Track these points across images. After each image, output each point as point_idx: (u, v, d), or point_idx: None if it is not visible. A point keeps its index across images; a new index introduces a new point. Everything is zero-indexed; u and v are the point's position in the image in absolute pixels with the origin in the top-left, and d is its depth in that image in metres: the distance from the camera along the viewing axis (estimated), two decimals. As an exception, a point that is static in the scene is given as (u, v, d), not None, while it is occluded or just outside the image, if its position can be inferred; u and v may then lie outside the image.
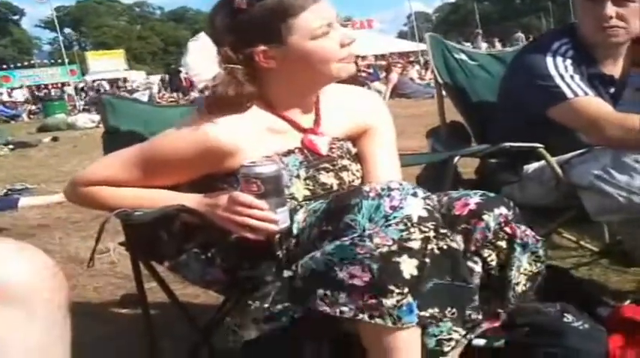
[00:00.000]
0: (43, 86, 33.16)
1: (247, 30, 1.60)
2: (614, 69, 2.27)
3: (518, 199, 2.20)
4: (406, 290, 1.35)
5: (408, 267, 1.35)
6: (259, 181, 1.49)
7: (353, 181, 1.74)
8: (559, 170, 2.11)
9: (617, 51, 2.26)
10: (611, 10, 2.12)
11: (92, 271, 3.30)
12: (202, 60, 1.66)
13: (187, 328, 1.92)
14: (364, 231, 1.38)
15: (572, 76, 2.14)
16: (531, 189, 2.25)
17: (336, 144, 1.75)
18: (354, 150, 1.79)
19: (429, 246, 1.39)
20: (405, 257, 1.35)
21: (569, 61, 2.18)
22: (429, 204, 1.43)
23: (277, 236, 1.57)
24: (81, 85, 31.44)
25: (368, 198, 1.42)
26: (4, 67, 43.84)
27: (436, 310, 1.39)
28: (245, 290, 1.66)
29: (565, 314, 1.67)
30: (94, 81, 33.35)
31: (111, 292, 2.97)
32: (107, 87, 30.77)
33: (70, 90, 28.04)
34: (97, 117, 13.53)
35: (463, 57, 2.73)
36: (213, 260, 1.65)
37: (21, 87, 30.94)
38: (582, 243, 2.83)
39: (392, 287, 1.34)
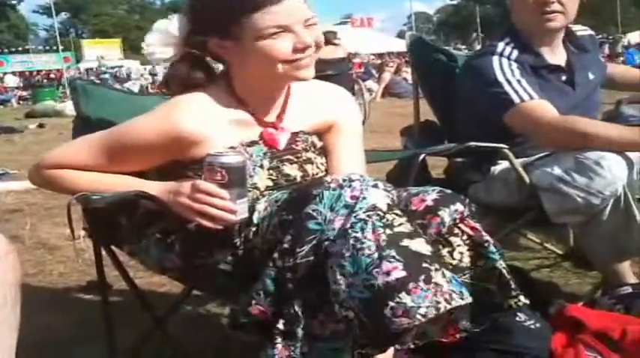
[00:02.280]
0: (36, 72, 33.08)
1: (204, 20, 1.65)
2: (557, 57, 2.33)
3: (483, 199, 2.25)
4: (437, 265, 1.35)
5: (418, 245, 1.36)
6: (224, 171, 1.49)
7: (317, 174, 1.76)
8: (522, 171, 2.12)
9: (555, 38, 2.31)
10: None
11: (60, 257, 3.34)
12: (161, 40, 1.70)
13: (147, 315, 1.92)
14: (326, 220, 1.38)
15: (518, 81, 2.17)
16: (496, 189, 2.26)
17: (302, 138, 1.76)
18: (319, 144, 1.80)
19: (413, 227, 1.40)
20: (406, 240, 1.35)
21: (514, 64, 2.22)
22: (389, 195, 1.44)
23: (237, 225, 1.57)
24: (72, 72, 31.26)
25: (329, 189, 1.42)
26: (-1, 51, 43.84)
27: None
28: (199, 277, 1.68)
29: (518, 314, 1.67)
30: (87, 69, 33.28)
31: (77, 278, 2.96)
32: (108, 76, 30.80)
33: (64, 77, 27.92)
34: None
35: (441, 57, 2.73)
36: (172, 246, 1.66)
37: (13, 73, 30.85)
38: (547, 245, 2.86)
39: (426, 265, 1.33)
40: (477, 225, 1.60)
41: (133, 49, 50.13)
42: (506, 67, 2.20)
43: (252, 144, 1.68)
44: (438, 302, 1.30)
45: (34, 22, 78.14)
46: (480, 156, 2.25)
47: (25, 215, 4.40)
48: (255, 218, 1.57)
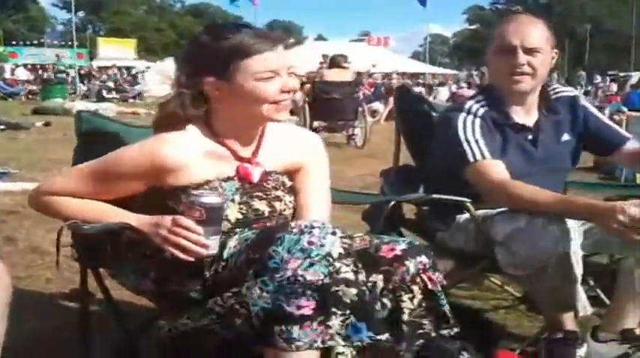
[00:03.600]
0: (47, 66, 33.13)
1: (203, 61, 1.83)
2: (529, 117, 2.45)
3: (448, 245, 2.43)
4: (348, 312, 1.59)
5: (347, 292, 1.59)
6: (203, 210, 1.68)
7: (284, 210, 1.95)
8: (480, 224, 2.25)
9: (527, 98, 2.42)
10: (522, 58, 2.31)
11: (50, 263, 3.41)
12: (158, 80, 1.90)
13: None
14: (282, 261, 1.58)
15: (477, 140, 2.31)
16: (459, 237, 2.42)
17: (272, 177, 1.94)
18: (288, 183, 1.98)
19: (360, 278, 1.64)
20: (342, 286, 1.59)
21: (478, 121, 2.36)
22: (345, 243, 1.66)
23: (208, 259, 1.75)
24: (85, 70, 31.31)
25: (290, 233, 1.63)
26: (14, 43, 43.91)
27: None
28: (172, 301, 1.86)
29: (462, 352, 1.82)
30: (99, 67, 33.46)
31: (61, 285, 3.08)
32: (117, 73, 30.94)
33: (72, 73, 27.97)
34: (93, 106, 13.62)
35: (425, 108, 2.89)
36: (148, 273, 1.86)
37: (25, 66, 30.89)
38: (506, 287, 3.01)
39: (335, 310, 1.57)
40: (435, 276, 1.80)
41: (148, 50, 50.44)
42: (468, 125, 2.35)
43: (227, 179, 1.87)
44: (315, 341, 1.55)
45: (53, 16, 78.31)
46: (446, 206, 2.39)
47: (21, 217, 4.47)
48: (225, 253, 1.76)
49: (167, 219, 1.72)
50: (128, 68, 35.03)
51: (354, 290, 1.60)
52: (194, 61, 1.87)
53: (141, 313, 2.21)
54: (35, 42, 47.03)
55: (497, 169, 2.27)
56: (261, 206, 1.90)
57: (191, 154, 1.82)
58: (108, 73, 30.86)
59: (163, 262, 1.78)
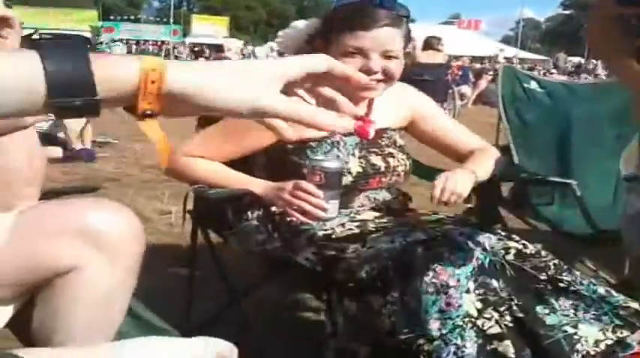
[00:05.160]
0: (142, 42, 34.01)
1: (321, 26, 1.93)
2: None
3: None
4: None
5: (504, 348, 1.48)
6: (322, 174, 1.75)
7: (397, 166, 2.02)
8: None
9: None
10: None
11: (152, 229, 3.60)
12: (290, 35, 2.01)
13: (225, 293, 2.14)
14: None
15: None
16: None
17: (386, 134, 2.04)
18: (400, 142, 2.07)
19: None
20: (495, 342, 1.49)
21: None
22: (479, 296, 1.55)
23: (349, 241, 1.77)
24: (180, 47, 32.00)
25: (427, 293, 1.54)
26: (111, 17, 45.20)
27: None
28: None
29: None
30: (190, 44, 34.09)
31: (164, 251, 3.21)
32: (207, 52, 31.48)
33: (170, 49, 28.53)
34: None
35: (533, 85, 2.85)
36: (275, 231, 1.94)
37: (121, 40, 31.68)
38: (600, 272, 2.83)
39: None
40: None
41: (238, 28, 51.03)
42: None
43: (349, 134, 1.91)
44: None
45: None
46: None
47: (122, 185, 4.64)
48: (371, 245, 1.73)
49: (289, 184, 1.80)
50: (218, 46, 35.52)
51: (508, 342, 1.49)
52: (324, 22, 1.94)
53: (246, 277, 2.27)
54: (132, 17, 48.25)
55: None
56: (378, 161, 1.98)
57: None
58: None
59: (289, 226, 1.88)
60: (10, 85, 0.67)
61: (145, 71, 0.71)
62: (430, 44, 10.01)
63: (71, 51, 0.69)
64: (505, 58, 25.73)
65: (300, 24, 1.98)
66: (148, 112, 0.73)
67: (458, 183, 1.82)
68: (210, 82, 0.75)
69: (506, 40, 63.61)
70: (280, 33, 2.04)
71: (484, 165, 2.02)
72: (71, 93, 0.68)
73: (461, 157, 2.11)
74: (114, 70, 0.71)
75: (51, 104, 0.68)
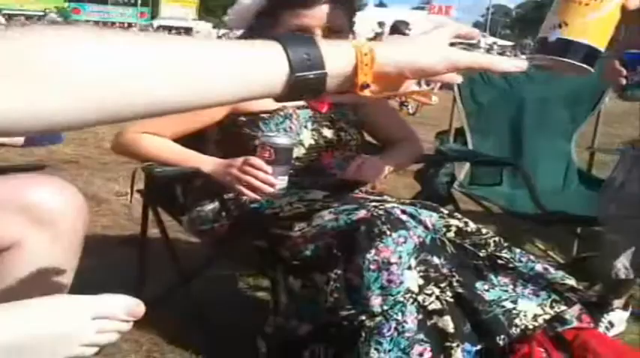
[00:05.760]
0: (110, 24, 33.61)
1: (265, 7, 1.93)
2: None
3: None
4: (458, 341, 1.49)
5: (444, 323, 1.50)
6: (272, 150, 1.75)
7: (350, 141, 2.05)
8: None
9: None
10: None
11: (106, 211, 3.57)
12: (239, 13, 2.00)
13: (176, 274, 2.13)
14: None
15: None
16: None
17: (338, 109, 2.04)
18: (352, 118, 2.07)
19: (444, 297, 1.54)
20: (435, 317, 1.51)
21: None
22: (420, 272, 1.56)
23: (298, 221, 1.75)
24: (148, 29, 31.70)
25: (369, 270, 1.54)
26: (79, -1, 44.46)
27: None
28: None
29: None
30: (159, 26, 33.78)
31: (117, 232, 3.18)
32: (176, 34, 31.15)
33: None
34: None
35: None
36: (228, 213, 1.94)
37: (88, 22, 31.32)
38: (550, 252, 2.95)
39: (450, 343, 1.48)
40: None
41: (208, 11, 50.59)
42: None
43: (302, 107, 1.96)
44: None
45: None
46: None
47: (80, 167, 4.60)
48: (317, 224, 1.71)
49: (238, 160, 1.79)
50: (187, 29, 35.26)
51: (448, 318, 1.51)
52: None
53: (196, 257, 2.27)
54: (99, -1, 47.53)
55: None
56: (329, 134, 2.00)
57: None
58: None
59: (239, 201, 1.88)
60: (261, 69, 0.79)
61: (358, 48, 0.82)
62: (397, 29, 10.10)
63: (302, 39, 0.81)
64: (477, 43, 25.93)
65: (246, 0, 1.96)
66: (366, 84, 0.83)
67: (369, 169, 1.90)
68: (408, 49, 0.86)
69: (476, 26, 63.82)
70: (229, 10, 2.03)
71: (399, 157, 2.10)
72: (307, 69, 0.79)
73: (386, 144, 2.17)
74: (335, 48, 0.82)
75: (291, 80, 0.79)
